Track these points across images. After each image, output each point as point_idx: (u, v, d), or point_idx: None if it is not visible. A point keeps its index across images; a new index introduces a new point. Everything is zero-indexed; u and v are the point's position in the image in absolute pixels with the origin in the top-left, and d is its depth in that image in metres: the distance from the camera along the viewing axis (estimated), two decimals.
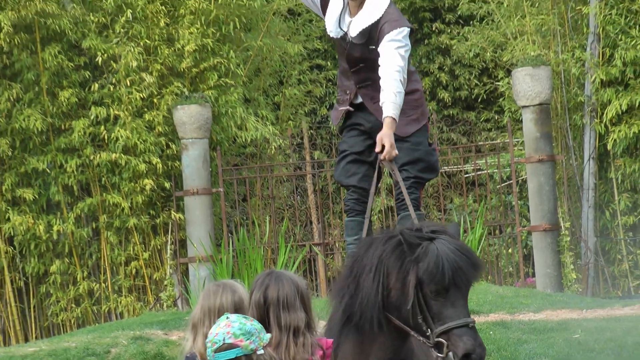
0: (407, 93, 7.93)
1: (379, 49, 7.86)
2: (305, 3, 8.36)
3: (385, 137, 7.49)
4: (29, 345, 13.67)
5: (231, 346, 5.29)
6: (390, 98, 7.67)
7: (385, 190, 16.60)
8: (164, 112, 15.89)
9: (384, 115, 7.65)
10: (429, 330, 6.21)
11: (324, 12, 8.17)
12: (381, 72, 7.78)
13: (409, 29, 7.98)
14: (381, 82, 7.76)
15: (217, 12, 16.30)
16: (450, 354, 6.15)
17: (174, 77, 16.19)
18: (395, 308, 6.25)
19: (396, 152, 7.51)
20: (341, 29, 8.01)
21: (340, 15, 7.99)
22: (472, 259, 6.26)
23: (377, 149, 7.52)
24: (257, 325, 5.41)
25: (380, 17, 7.90)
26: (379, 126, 7.88)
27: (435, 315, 6.24)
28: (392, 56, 7.82)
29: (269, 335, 5.45)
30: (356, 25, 7.98)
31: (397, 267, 6.26)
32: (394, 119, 7.63)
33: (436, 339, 6.17)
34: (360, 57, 8.03)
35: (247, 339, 5.31)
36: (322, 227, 16.76)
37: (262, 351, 5.31)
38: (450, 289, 6.19)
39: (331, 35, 8.08)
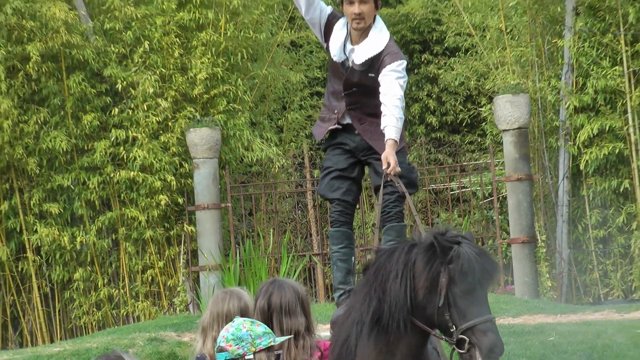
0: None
1: (380, 78, 7.85)
2: (309, 22, 8.12)
3: (389, 156, 7.48)
4: (54, 345, 13.72)
5: (222, 349, 5.33)
6: (393, 123, 7.66)
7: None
8: (177, 134, 15.94)
9: (386, 138, 7.63)
10: (453, 327, 6.28)
11: (326, 37, 8.07)
12: (383, 99, 7.77)
13: (406, 62, 8.04)
14: (383, 109, 7.75)
15: (226, 44, 16.37)
16: (473, 350, 6.26)
17: (187, 103, 16.23)
18: (421, 308, 6.33)
19: (399, 169, 7.55)
20: (345, 54, 7.98)
21: (344, 41, 7.98)
22: (494, 262, 6.38)
23: (383, 166, 7.51)
24: (259, 330, 5.40)
25: (383, 49, 7.89)
26: (363, 145, 7.97)
27: (461, 313, 6.30)
28: (393, 86, 7.82)
29: (280, 338, 5.45)
30: (361, 54, 7.94)
31: (427, 269, 6.33)
32: (395, 141, 7.64)
33: (459, 336, 6.25)
34: (357, 82, 7.96)
35: (236, 344, 5.31)
36: (320, 238, 16.77)
37: (250, 356, 5.29)
38: (477, 289, 6.28)
39: (334, 59, 8.01)
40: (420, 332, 6.47)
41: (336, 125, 8.00)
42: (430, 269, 6.30)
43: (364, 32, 7.92)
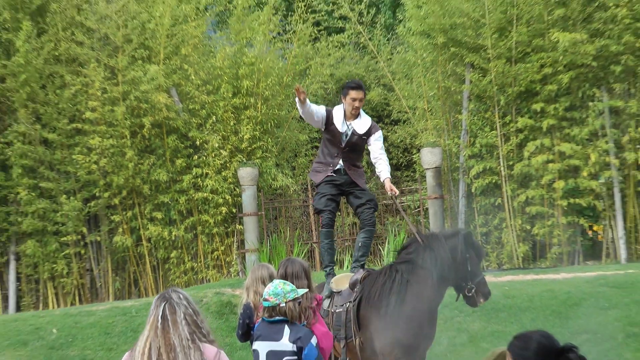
0: (359, 167, 8.10)
1: (372, 141, 7.96)
2: (308, 118, 7.93)
3: (393, 186, 7.74)
4: None
5: (265, 300, 5.41)
6: (387, 169, 7.90)
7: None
8: (232, 171, 16.00)
9: (385, 177, 7.84)
10: (470, 282, 6.92)
11: (327, 121, 7.95)
12: (379, 155, 7.94)
13: (381, 131, 8.22)
14: (379, 161, 7.93)
15: (261, 117, 16.47)
16: (475, 294, 6.92)
17: (238, 152, 16.30)
18: (455, 270, 6.91)
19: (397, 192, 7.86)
20: (347, 127, 7.94)
21: (344, 120, 7.96)
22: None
23: (389, 193, 7.71)
24: (287, 287, 5.42)
25: (371, 124, 8.02)
26: (348, 182, 8.00)
27: (474, 274, 6.95)
28: (382, 148, 8.03)
29: (302, 291, 5.53)
30: (361, 126, 7.96)
31: (464, 250, 6.93)
32: (390, 178, 7.89)
33: (471, 286, 6.91)
34: (354, 142, 7.94)
35: (274, 297, 5.35)
36: (317, 233, 16.85)
37: (283, 304, 5.33)
38: (480, 260, 7.02)
39: (340, 130, 7.90)
40: (446, 288, 7.04)
41: (331, 174, 8.01)
42: (465, 251, 6.91)
43: (356, 114, 8.03)
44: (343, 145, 7.95)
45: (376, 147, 7.98)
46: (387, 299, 6.98)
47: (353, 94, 7.91)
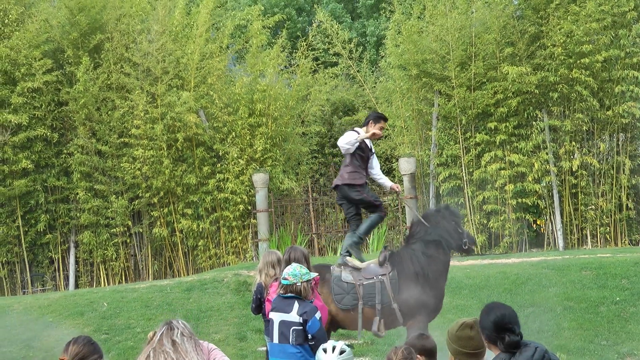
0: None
1: (374, 157, 7.89)
2: (348, 147, 7.68)
3: (396, 185, 7.81)
4: (189, 277, 13.78)
5: (285, 279, 5.41)
6: (387, 179, 7.94)
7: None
8: (248, 176, 15.88)
9: (389, 183, 7.84)
10: (463, 239, 7.07)
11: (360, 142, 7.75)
12: (380, 173, 7.88)
13: None
14: (383, 178, 7.88)
15: (272, 133, 16.39)
16: (470, 247, 7.08)
17: (252, 161, 16.17)
18: (450, 234, 7.08)
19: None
20: (369, 143, 7.84)
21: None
22: None
23: (397, 190, 7.78)
24: (303, 270, 5.42)
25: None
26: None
27: (466, 234, 7.10)
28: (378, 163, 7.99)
29: (313, 274, 5.51)
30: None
31: (454, 218, 7.14)
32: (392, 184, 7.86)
33: (465, 241, 7.04)
34: (369, 156, 7.82)
35: (293, 277, 5.36)
36: (316, 226, 16.87)
37: (299, 284, 5.34)
38: (460, 221, 7.19)
39: (368, 145, 7.74)
40: (450, 251, 7.16)
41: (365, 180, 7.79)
42: (455, 220, 7.08)
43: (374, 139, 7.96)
44: (368, 157, 7.81)
45: (376, 164, 7.90)
46: (420, 272, 7.07)
47: (383, 123, 7.86)
